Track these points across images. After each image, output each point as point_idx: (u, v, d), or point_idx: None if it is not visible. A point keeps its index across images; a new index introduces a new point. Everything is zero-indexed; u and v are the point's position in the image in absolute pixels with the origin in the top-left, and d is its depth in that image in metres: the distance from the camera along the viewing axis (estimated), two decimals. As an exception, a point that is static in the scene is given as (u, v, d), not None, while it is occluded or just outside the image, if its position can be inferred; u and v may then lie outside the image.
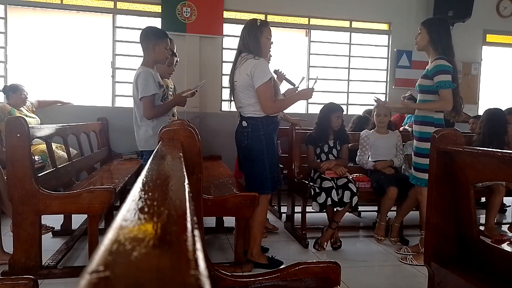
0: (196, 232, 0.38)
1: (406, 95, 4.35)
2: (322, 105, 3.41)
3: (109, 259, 0.30)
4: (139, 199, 0.49)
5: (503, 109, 3.78)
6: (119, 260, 0.30)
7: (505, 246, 3.21)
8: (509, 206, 4.32)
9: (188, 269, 0.29)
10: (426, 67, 2.80)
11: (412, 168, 2.88)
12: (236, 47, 2.71)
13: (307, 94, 2.79)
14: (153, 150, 2.59)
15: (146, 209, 0.45)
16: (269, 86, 2.56)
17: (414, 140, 2.85)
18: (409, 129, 3.87)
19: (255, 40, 2.59)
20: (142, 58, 2.64)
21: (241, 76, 2.59)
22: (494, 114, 3.44)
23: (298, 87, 3.26)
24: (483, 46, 5.99)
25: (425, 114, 2.77)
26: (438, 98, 2.70)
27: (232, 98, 2.77)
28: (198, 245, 0.34)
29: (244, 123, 2.65)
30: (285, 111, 3.20)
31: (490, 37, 6.02)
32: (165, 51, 2.61)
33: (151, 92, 2.47)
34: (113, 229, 0.37)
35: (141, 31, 2.65)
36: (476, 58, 5.94)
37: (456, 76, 2.74)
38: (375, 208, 3.95)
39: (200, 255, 0.32)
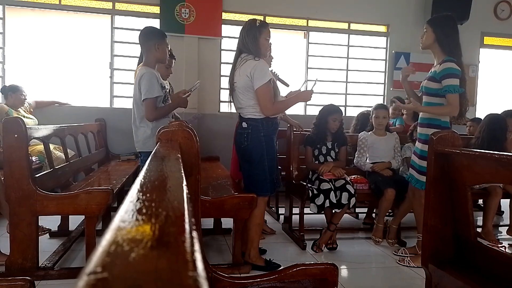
0: (194, 234, 0.38)
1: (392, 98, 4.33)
2: (320, 107, 3.42)
3: (107, 260, 0.30)
4: (137, 200, 0.49)
5: (501, 111, 3.80)
6: (117, 262, 0.30)
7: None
8: (503, 212, 4.31)
9: (186, 271, 0.29)
10: (432, 69, 2.74)
11: (415, 170, 2.82)
12: (235, 48, 2.69)
13: (306, 96, 2.76)
14: (151, 152, 2.58)
15: (144, 210, 0.45)
16: (268, 88, 2.55)
17: (419, 142, 2.80)
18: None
19: (253, 41, 2.56)
20: (144, 59, 2.59)
21: (241, 77, 2.57)
22: (495, 119, 3.44)
23: (299, 90, 3.26)
24: (480, 49, 6.02)
25: (431, 116, 2.73)
26: (445, 102, 2.65)
27: (231, 99, 2.74)
28: (196, 247, 0.34)
29: (244, 124, 2.63)
30: (286, 112, 3.21)
31: (487, 40, 6.04)
32: (167, 50, 2.60)
33: (155, 94, 2.44)
34: (111, 230, 0.37)
35: (140, 31, 2.61)
36: (474, 60, 5.96)
37: (464, 78, 2.67)
38: (367, 209, 3.98)
39: (198, 257, 0.32)
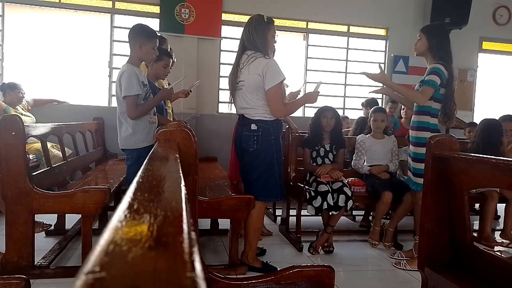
0: (193, 234, 0.38)
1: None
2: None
3: (105, 260, 0.30)
4: (135, 200, 0.49)
5: (498, 116, 3.81)
6: (115, 261, 0.30)
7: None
8: (499, 216, 4.32)
9: (185, 271, 0.29)
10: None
11: (411, 173, 2.88)
12: (235, 49, 2.63)
13: (313, 97, 2.69)
14: (133, 149, 2.56)
15: (142, 210, 0.45)
16: (280, 88, 2.45)
17: (411, 145, 2.87)
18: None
19: (262, 37, 2.47)
20: (129, 56, 2.53)
21: (250, 76, 2.44)
22: (489, 124, 3.46)
23: (299, 91, 3.27)
24: (479, 53, 6.04)
25: (420, 120, 2.79)
26: (432, 104, 2.75)
27: (232, 100, 2.63)
28: (195, 247, 0.34)
29: (254, 126, 2.49)
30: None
31: (486, 45, 6.07)
32: (152, 51, 2.50)
33: (134, 92, 2.39)
34: (109, 229, 0.37)
35: (130, 27, 2.54)
36: (472, 65, 5.99)
37: (451, 83, 2.76)
38: (364, 212, 3.98)
39: (196, 257, 0.32)
